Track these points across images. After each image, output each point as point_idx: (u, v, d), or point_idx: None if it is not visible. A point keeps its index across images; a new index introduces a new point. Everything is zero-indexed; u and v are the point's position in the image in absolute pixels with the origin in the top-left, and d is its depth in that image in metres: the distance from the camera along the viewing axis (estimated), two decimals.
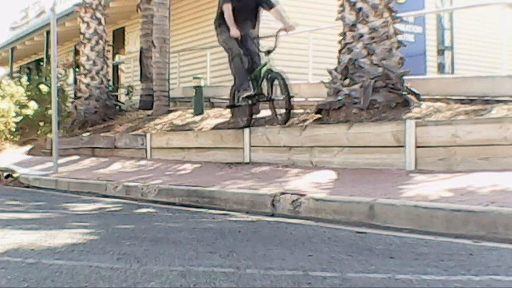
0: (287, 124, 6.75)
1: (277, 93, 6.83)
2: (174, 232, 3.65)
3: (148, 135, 9.12)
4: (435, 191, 4.09)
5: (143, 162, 8.61)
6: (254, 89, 6.96)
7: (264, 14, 7.62)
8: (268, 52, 6.85)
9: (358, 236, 3.38)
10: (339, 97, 6.58)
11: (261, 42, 8.83)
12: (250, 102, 7.14)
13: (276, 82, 6.75)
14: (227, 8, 6.88)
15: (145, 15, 12.43)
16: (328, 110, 6.64)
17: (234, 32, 6.81)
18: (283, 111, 6.76)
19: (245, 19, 7.07)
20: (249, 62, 7.00)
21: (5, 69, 23.38)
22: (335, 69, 6.82)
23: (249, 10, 7.12)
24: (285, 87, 6.52)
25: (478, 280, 2.31)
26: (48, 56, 15.72)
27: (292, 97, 6.60)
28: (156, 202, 5.50)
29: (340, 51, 6.83)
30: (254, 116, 7.44)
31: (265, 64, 6.83)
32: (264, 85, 6.91)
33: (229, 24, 6.87)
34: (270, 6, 7.07)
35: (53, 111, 8.61)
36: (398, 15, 6.77)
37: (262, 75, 6.87)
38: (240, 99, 7.17)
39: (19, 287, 2.22)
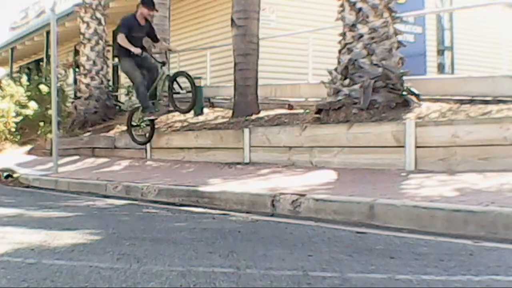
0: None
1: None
2: (174, 232, 3.64)
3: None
4: (435, 191, 4.09)
5: (143, 162, 8.61)
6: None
7: (263, 14, 7.59)
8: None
9: (358, 236, 3.38)
10: (339, 97, 6.58)
11: (261, 42, 8.87)
12: None
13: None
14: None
15: None
16: (328, 110, 6.64)
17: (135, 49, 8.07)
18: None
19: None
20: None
21: (5, 69, 23.36)
22: (335, 69, 6.82)
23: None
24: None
25: (478, 280, 2.31)
26: (48, 56, 15.69)
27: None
28: (156, 202, 5.50)
29: (340, 51, 6.83)
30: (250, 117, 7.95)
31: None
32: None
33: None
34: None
35: (53, 111, 8.61)
36: (398, 15, 6.78)
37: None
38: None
39: (19, 287, 2.22)
